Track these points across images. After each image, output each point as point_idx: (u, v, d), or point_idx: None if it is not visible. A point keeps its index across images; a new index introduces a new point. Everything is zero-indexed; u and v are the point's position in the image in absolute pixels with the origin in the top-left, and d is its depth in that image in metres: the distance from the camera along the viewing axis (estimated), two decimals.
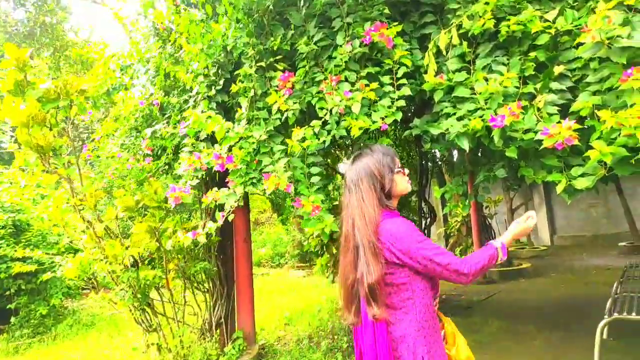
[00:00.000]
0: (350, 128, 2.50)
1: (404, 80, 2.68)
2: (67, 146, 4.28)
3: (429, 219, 7.49)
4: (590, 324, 3.28)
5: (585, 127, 2.21)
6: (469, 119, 2.38)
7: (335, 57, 2.78)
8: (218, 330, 5.15)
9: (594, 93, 2.24)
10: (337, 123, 2.62)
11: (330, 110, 2.60)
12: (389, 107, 2.58)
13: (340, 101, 2.52)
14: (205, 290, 5.10)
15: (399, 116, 2.59)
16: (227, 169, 2.82)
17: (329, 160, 7.83)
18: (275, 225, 18.35)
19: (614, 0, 2.08)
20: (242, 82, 3.00)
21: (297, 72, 2.87)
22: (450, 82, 2.56)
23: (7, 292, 7.02)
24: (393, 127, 6.53)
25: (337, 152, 6.83)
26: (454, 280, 1.68)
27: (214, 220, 5.16)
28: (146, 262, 4.53)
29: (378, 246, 1.63)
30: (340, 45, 2.80)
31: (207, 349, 4.71)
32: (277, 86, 2.82)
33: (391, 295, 1.67)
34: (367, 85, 2.59)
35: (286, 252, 15.19)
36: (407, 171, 1.84)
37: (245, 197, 5.29)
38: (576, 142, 2.06)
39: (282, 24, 3.14)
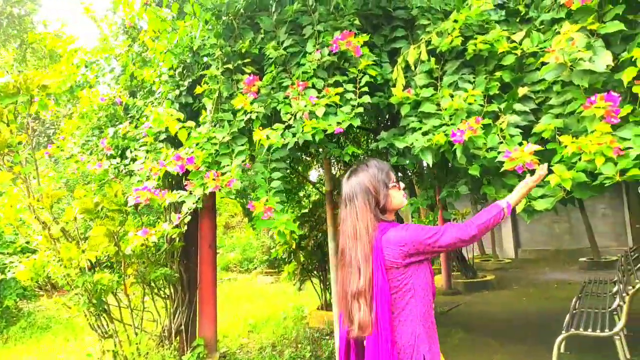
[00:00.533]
0: (315, 133, 2.47)
1: (366, 89, 2.68)
2: (27, 143, 4.11)
3: None
4: (550, 338, 3.34)
5: (547, 149, 2.23)
6: (434, 134, 2.38)
7: (304, 64, 2.75)
8: (178, 338, 5.01)
9: (557, 116, 2.28)
10: (302, 128, 2.59)
11: (295, 115, 2.56)
12: (348, 113, 2.57)
13: (305, 106, 2.49)
14: (166, 296, 4.97)
15: (356, 122, 2.58)
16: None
17: (300, 168, 7.80)
18: (245, 229, 18.17)
19: (578, 24, 2.12)
20: (208, 83, 2.94)
21: (264, 76, 2.83)
22: (417, 97, 2.57)
23: None
24: (365, 139, 6.54)
25: (308, 158, 6.78)
26: (467, 245, 1.75)
27: (177, 225, 5.08)
28: (105, 266, 4.39)
29: (372, 257, 1.71)
30: (310, 53, 2.77)
31: (164, 356, 4.58)
32: (243, 89, 2.77)
33: (396, 300, 1.72)
34: (336, 89, 2.57)
35: (255, 258, 15.04)
36: (402, 185, 1.87)
37: (212, 201, 5.20)
38: (536, 166, 2.08)
39: (252, 28, 3.10)
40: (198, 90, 2.93)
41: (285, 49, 2.87)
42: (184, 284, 5.03)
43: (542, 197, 2.26)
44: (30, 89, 3.86)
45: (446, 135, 2.32)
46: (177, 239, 4.92)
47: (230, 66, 2.95)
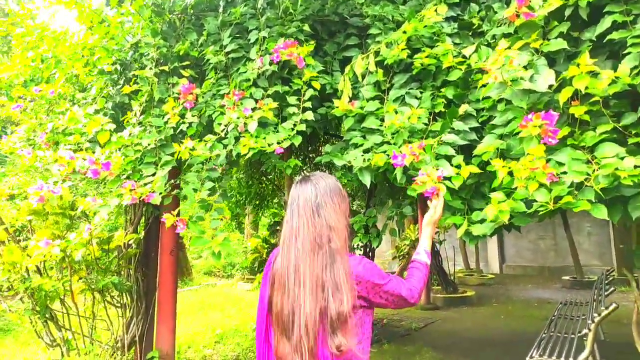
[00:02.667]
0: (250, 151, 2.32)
1: (309, 104, 2.53)
2: None
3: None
4: None
5: (487, 172, 2.09)
6: (375, 153, 2.23)
7: (245, 72, 2.60)
8: (133, 349, 4.83)
9: (501, 137, 2.14)
10: (237, 139, 2.43)
11: (227, 126, 2.40)
12: (292, 128, 2.42)
13: (238, 118, 2.34)
14: (120, 305, 4.78)
15: (297, 140, 2.42)
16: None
17: (273, 175, 7.65)
18: (233, 232, 17.96)
19: (520, 42, 1.99)
20: (138, 83, 2.78)
21: (204, 82, 2.68)
22: (361, 111, 2.42)
23: None
24: (313, 148, 6.33)
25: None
26: (405, 307, 1.64)
27: (134, 231, 4.90)
28: (52, 271, 4.22)
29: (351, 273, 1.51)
30: (253, 60, 2.62)
31: None
32: (179, 96, 2.61)
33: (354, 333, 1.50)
34: (270, 104, 2.42)
35: (238, 263, 14.84)
36: None
37: (175, 204, 5.03)
38: (434, 197, 1.94)
39: (197, 29, 2.94)
40: (125, 89, 2.77)
41: (227, 53, 2.72)
42: (141, 293, 4.85)
43: (481, 221, 2.12)
44: None
45: (387, 155, 2.18)
46: (134, 245, 4.76)
47: (166, 68, 2.80)
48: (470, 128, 2.25)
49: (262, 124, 2.42)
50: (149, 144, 2.55)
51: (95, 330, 4.91)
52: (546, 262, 12.69)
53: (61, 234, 3.81)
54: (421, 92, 2.42)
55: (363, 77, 2.57)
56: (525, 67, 1.98)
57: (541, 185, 1.78)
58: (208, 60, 2.73)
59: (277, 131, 2.42)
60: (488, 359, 5.38)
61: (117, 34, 2.87)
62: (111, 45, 2.92)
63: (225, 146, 2.44)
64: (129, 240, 4.76)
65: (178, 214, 2.41)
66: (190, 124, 2.54)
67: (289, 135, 2.37)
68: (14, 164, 4.07)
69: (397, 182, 2.24)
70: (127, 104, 2.98)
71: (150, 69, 2.71)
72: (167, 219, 2.38)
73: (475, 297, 9.24)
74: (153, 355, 4.81)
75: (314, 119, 2.46)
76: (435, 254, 9.38)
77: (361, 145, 2.31)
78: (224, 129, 2.38)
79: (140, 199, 2.43)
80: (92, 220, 4.13)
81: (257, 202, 7.22)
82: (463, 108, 2.20)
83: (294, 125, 2.41)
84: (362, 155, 2.25)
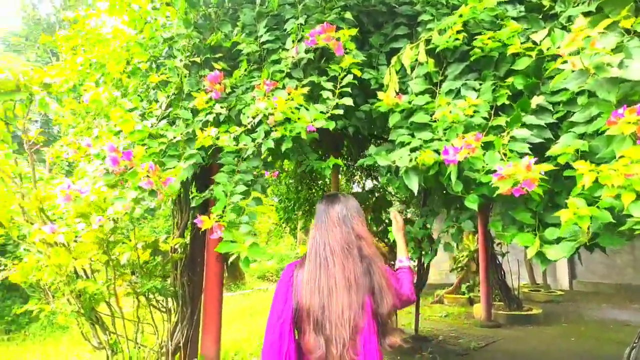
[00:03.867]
0: (282, 140, 2.08)
1: (347, 89, 2.25)
2: (27, 141, 4.00)
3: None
4: None
5: (563, 177, 1.72)
6: (424, 151, 1.92)
7: (279, 62, 2.38)
8: (178, 355, 4.74)
9: (581, 136, 1.76)
10: (267, 134, 2.20)
11: (254, 118, 2.18)
12: (323, 112, 2.16)
13: (266, 108, 2.10)
14: (165, 310, 4.72)
15: (330, 125, 2.15)
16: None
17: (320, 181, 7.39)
18: (287, 237, 17.99)
19: (605, 20, 1.60)
20: (165, 73, 2.62)
21: (234, 73, 2.47)
22: (409, 105, 2.12)
23: None
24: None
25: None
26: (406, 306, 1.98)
27: (182, 235, 4.84)
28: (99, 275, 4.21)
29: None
30: (288, 50, 2.39)
31: None
32: (206, 86, 2.42)
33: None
34: (300, 89, 2.17)
35: None
36: None
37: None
38: (537, 189, 1.58)
39: (232, 21, 2.74)
40: (152, 79, 2.62)
41: (262, 44, 2.51)
42: (186, 298, 4.77)
43: (558, 241, 1.74)
44: (29, 87, 3.75)
45: (437, 152, 1.86)
46: (180, 249, 4.68)
47: (197, 59, 2.63)
48: (545, 124, 1.88)
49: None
50: (174, 137, 2.38)
51: (143, 334, 4.90)
52: (623, 279, 11.55)
53: (105, 236, 3.77)
54: (480, 84, 2.08)
55: (412, 69, 2.26)
56: (612, 51, 1.60)
57: (639, 196, 1.40)
58: (241, 51, 2.53)
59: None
60: None
61: (152, 30, 2.75)
62: (147, 42, 2.82)
63: (254, 140, 2.23)
64: (175, 244, 4.71)
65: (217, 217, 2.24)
66: (217, 115, 2.35)
67: (322, 116, 2.09)
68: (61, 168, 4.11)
69: (451, 187, 1.91)
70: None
71: (181, 60, 2.56)
72: (204, 221, 2.19)
73: (542, 316, 8.50)
74: None
75: (361, 109, 2.16)
76: (497, 267, 8.74)
77: (408, 143, 2.00)
78: (252, 121, 2.16)
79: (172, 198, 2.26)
80: (135, 223, 4.10)
81: (307, 208, 7.02)
82: (536, 100, 1.84)
83: (327, 110, 2.14)
84: (409, 155, 1.94)
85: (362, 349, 1.62)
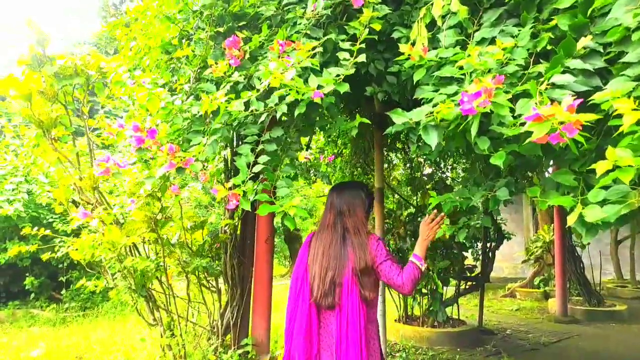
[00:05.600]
0: (294, 103, 1.95)
1: (363, 45, 2.05)
2: (85, 125, 4.20)
3: (493, 243, 6.47)
4: None
5: (608, 127, 1.42)
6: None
7: (297, 21, 2.23)
8: (229, 335, 4.81)
9: (637, 79, 1.45)
10: (281, 99, 2.06)
11: (267, 81, 2.04)
12: (337, 75, 1.98)
13: (276, 69, 1.96)
14: (215, 290, 4.79)
15: (343, 88, 1.97)
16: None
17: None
18: None
19: None
20: (189, 46, 2.56)
21: (253, 38, 2.36)
22: (436, 58, 1.89)
23: (60, 266, 7.35)
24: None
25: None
26: (397, 290, 2.26)
27: (232, 217, 4.87)
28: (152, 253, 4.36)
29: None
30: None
31: (206, 352, 4.39)
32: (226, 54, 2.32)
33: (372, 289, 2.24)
34: (307, 44, 2.00)
35: None
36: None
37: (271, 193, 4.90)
38: (579, 138, 1.31)
39: None
40: (178, 53, 2.58)
41: (283, 6, 2.38)
42: (236, 279, 4.81)
43: (603, 202, 1.46)
44: (86, 71, 3.92)
45: (457, 104, 1.63)
46: (229, 231, 4.72)
47: (221, 29, 2.55)
48: (595, 69, 1.59)
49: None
50: (198, 111, 2.33)
51: (199, 313, 5.03)
52: None
53: (153, 215, 3.87)
54: (519, 31, 1.80)
55: (443, 21, 2.03)
56: None
57: None
58: (262, 15, 2.42)
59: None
60: None
61: (182, 3, 2.72)
62: (175, 16, 2.79)
63: (266, 105, 2.10)
64: (224, 225, 4.76)
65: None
66: (236, 83, 2.26)
67: (332, 80, 1.93)
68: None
69: (478, 147, 1.68)
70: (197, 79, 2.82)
71: (206, 31, 2.50)
72: (219, 191, 2.12)
73: (626, 312, 7.69)
74: (247, 342, 4.74)
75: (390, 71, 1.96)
76: (575, 259, 8.02)
77: (431, 100, 1.78)
78: (265, 84, 2.03)
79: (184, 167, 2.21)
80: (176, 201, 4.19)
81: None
82: (583, 41, 1.55)
83: (339, 74, 1.97)
84: (430, 111, 1.72)
85: (343, 298, 2.16)
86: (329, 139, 6.54)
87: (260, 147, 2.20)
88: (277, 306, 8.99)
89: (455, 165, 7.01)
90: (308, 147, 6.00)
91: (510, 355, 5.42)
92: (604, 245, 10.86)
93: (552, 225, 8.35)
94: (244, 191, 2.08)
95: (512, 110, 1.53)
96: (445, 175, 6.93)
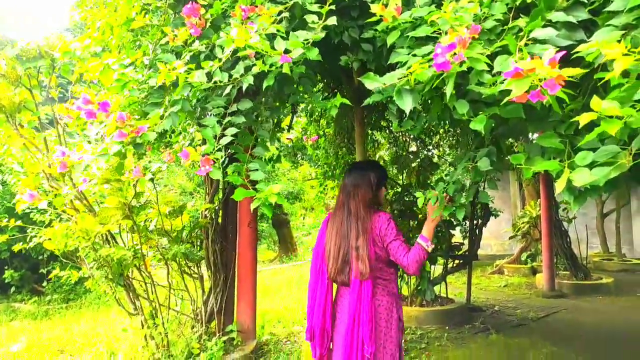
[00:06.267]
0: (263, 76, 1.81)
1: (333, 7, 1.91)
2: (54, 110, 4.00)
3: (480, 221, 6.40)
4: None
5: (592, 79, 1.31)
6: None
7: None
8: (214, 322, 4.70)
9: (623, 28, 1.33)
10: (248, 70, 1.92)
11: (231, 51, 1.89)
12: (306, 40, 1.84)
13: (243, 38, 1.81)
14: (198, 276, 4.67)
15: (312, 54, 1.83)
16: None
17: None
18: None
19: None
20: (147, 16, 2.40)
21: (214, 3, 2.19)
22: (410, 19, 1.75)
23: (40, 257, 7.17)
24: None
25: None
26: (403, 270, 2.30)
27: (212, 202, 4.73)
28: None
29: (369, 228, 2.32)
30: None
31: (190, 340, 4.29)
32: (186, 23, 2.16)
33: (381, 269, 2.35)
34: (272, 8, 1.85)
35: None
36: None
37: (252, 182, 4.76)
38: (561, 94, 1.19)
39: None
40: (135, 24, 2.41)
41: None
42: (218, 265, 4.69)
43: (592, 165, 1.35)
44: (51, 53, 3.72)
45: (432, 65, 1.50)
46: (209, 215, 4.58)
47: None
48: (579, 22, 1.47)
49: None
50: (156, 83, 2.16)
51: (182, 301, 4.91)
52: None
53: (127, 201, 3.72)
54: None
55: None
56: None
57: None
58: None
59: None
60: None
61: None
62: None
63: (231, 76, 1.96)
64: (205, 210, 4.62)
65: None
66: (197, 53, 2.09)
67: (299, 44, 1.78)
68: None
69: (457, 112, 1.56)
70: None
71: None
72: (190, 152, 1.97)
73: (613, 285, 7.75)
74: (232, 328, 4.64)
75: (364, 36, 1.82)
76: (562, 234, 8.03)
77: (405, 63, 1.65)
78: (228, 53, 1.88)
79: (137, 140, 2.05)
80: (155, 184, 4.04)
81: None
82: None
83: (307, 38, 1.83)
84: (403, 74, 1.59)
85: (352, 276, 2.27)
86: (312, 119, 6.40)
87: (228, 119, 2.06)
88: (267, 291, 8.91)
89: (441, 142, 6.92)
90: (290, 128, 5.85)
91: (498, 332, 5.41)
92: (590, 219, 10.93)
93: (539, 200, 8.34)
94: (215, 159, 1.94)
95: (490, 67, 1.41)
96: (431, 153, 6.84)
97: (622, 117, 1.10)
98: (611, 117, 1.12)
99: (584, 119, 1.13)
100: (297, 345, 5.12)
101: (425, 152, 6.61)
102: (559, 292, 7.58)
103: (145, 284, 4.27)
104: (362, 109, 3.42)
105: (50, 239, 3.94)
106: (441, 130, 6.49)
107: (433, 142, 6.94)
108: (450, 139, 6.73)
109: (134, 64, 2.67)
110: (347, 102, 2.13)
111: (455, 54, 1.35)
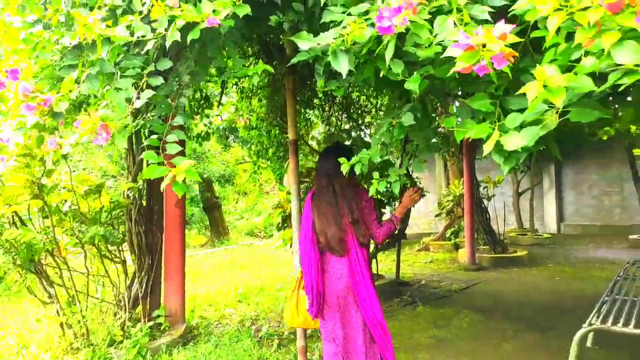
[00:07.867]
0: (188, 32, 1.66)
1: None
2: None
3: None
4: (576, 328, 2.55)
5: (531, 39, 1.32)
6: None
7: None
8: (140, 308, 4.45)
9: None
10: (171, 23, 1.76)
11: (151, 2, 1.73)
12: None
13: None
14: (120, 261, 4.38)
15: (243, 10, 1.73)
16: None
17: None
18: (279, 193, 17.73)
19: None
20: None
21: None
22: None
23: None
24: None
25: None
26: (372, 238, 2.79)
27: (135, 180, 4.42)
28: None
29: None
30: None
31: (112, 327, 4.02)
32: None
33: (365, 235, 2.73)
34: None
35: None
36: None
37: (182, 152, 4.52)
38: (509, 67, 1.18)
39: None
40: None
41: None
42: (143, 248, 4.43)
43: (521, 127, 1.37)
44: None
45: (373, 26, 1.44)
46: (132, 195, 4.30)
47: None
48: None
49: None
50: (70, 43, 1.92)
51: (103, 287, 4.59)
52: (611, 220, 11.45)
53: (35, 179, 3.37)
54: None
55: None
56: None
57: (627, 35, 1.00)
58: None
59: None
60: (538, 325, 4.62)
61: None
62: None
63: (154, 30, 1.79)
64: (127, 189, 4.32)
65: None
66: (114, 8, 1.89)
67: (227, 3, 1.66)
68: None
69: (393, 74, 1.51)
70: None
71: None
72: (83, 121, 1.78)
73: (526, 258, 8.35)
74: (158, 313, 4.43)
75: None
76: (482, 211, 8.49)
77: (340, 23, 1.58)
78: (147, 3, 1.71)
79: (49, 110, 1.83)
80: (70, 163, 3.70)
81: (282, 154, 6.61)
82: None
83: None
84: (340, 34, 1.51)
85: (349, 247, 2.64)
86: (243, 95, 6.19)
87: (144, 80, 1.88)
88: (198, 276, 8.61)
89: (373, 121, 6.99)
90: (220, 103, 5.62)
91: (425, 304, 5.63)
92: (507, 197, 11.69)
93: (462, 179, 8.75)
94: (125, 125, 1.76)
95: (431, 32, 1.37)
96: (364, 132, 6.90)
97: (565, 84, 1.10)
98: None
99: (531, 91, 1.12)
100: (229, 327, 4.99)
101: (357, 131, 6.66)
102: (479, 266, 8.03)
103: (60, 270, 3.94)
104: (293, 85, 3.31)
105: None
106: (373, 110, 6.56)
107: (365, 121, 7.01)
108: (382, 115, 6.83)
109: (40, 21, 2.37)
110: (270, 68, 2.03)
111: (401, 18, 1.30)
